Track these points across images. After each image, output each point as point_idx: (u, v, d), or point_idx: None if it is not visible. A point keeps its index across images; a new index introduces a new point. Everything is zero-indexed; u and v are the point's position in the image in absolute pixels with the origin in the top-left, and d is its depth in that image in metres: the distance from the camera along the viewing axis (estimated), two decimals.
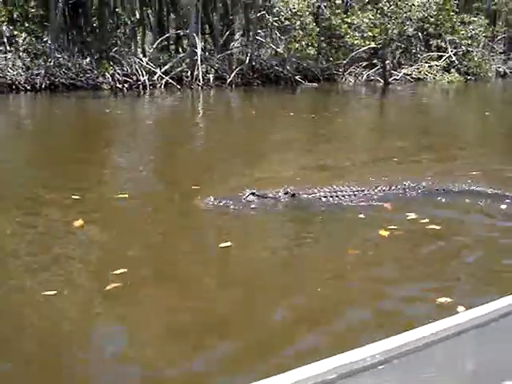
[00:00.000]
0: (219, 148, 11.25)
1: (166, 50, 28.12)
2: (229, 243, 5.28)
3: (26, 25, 23.43)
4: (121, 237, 5.78)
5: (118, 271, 4.64)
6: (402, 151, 10.39)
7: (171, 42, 29.75)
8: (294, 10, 24.08)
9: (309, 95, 24.46)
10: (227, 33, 28.66)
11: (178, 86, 24.75)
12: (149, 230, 5.95)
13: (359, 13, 27.90)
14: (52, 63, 24.22)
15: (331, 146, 11.55)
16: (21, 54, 23.72)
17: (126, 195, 7.16)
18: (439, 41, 30.79)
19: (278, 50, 25.86)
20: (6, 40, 23.50)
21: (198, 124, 16.31)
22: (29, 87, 23.88)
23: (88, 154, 10.52)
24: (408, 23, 26.43)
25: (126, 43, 27.26)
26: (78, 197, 6.91)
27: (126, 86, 24.58)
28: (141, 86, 24.65)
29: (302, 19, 24.56)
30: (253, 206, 6.44)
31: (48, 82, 24.12)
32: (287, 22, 24.77)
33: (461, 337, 1.69)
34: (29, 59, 24.02)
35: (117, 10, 28.72)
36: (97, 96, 22.96)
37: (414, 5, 24.97)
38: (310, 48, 27.38)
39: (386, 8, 25.61)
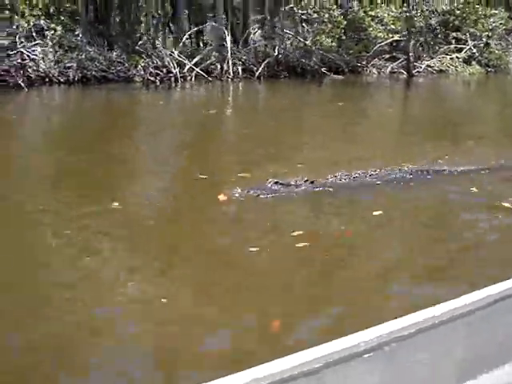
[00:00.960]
0: (261, 137, 11.80)
1: (194, 42, 28.49)
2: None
3: (62, 18, 23.74)
4: None
5: None
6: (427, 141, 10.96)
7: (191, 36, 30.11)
8: (322, 2, 24.37)
9: (337, 86, 24.93)
10: (251, 26, 29.10)
11: (210, 79, 25.17)
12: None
13: (382, 5, 28.24)
14: (84, 56, 24.65)
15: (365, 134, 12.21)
16: (54, 47, 24.13)
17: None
18: (459, 33, 31.18)
19: (307, 42, 26.18)
20: (39, 34, 23.92)
21: (241, 116, 16.77)
22: (62, 80, 24.40)
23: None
24: (433, 16, 26.77)
25: (154, 36, 27.66)
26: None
27: (157, 78, 25.01)
28: (173, 78, 25.05)
29: (330, 12, 24.91)
30: (276, 193, 6.85)
31: (80, 74, 24.58)
32: (315, 15, 25.11)
33: (449, 324, 1.72)
34: (61, 52, 24.48)
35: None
36: (131, 88, 23.58)
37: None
38: (331, 40, 27.70)
39: (411, 0, 25.89)
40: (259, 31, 28.59)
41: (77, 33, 25.24)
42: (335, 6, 25.09)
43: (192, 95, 23.10)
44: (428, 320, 1.67)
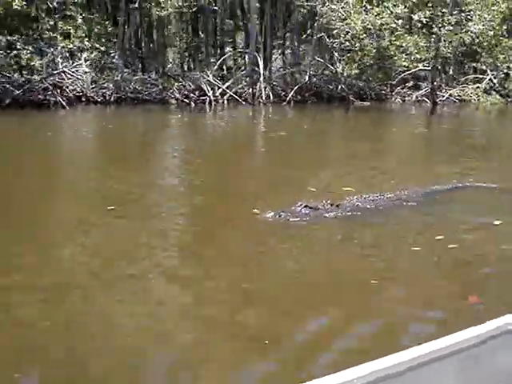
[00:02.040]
0: (297, 159, 12.41)
1: (226, 67, 29.41)
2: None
3: (103, 40, 24.60)
4: None
5: None
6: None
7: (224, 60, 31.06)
8: (354, 33, 25.21)
9: (365, 113, 25.61)
10: (279, 52, 30.12)
11: (243, 102, 25.98)
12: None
13: (406, 35, 29.06)
14: (119, 78, 25.44)
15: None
16: (93, 68, 24.96)
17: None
18: (479, 64, 32.08)
19: (338, 69, 27.00)
20: (77, 55, 24.75)
21: (274, 138, 17.27)
22: (99, 99, 25.20)
23: None
24: (460, 47, 27.62)
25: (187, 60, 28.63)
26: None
27: (192, 100, 25.82)
28: (207, 100, 25.85)
29: (361, 41, 25.75)
30: (306, 217, 6.96)
31: (116, 95, 25.36)
32: (347, 44, 25.96)
33: (439, 362, 1.70)
34: (98, 73, 25.31)
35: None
36: (167, 109, 24.34)
37: (470, 31, 26.11)
38: (358, 68, 28.55)
39: (439, 31, 26.71)
40: (290, 57, 29.47)
41: (113, 55, 26.07)
42: (365, 35, 25.85)
43: (233, 117, 23.78)
44: (419, 358, 1.65)
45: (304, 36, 31.28)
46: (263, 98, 26.40)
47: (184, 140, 17.06)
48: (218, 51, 32.82)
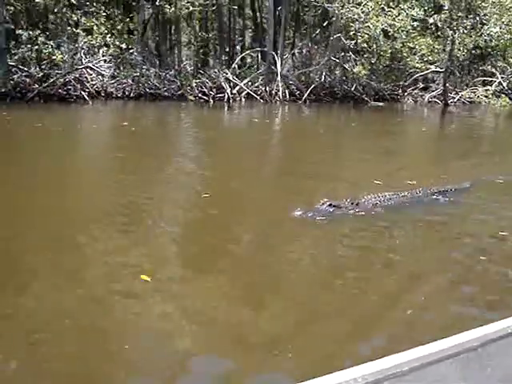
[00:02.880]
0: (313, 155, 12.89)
1: (243, 65, 29.81)
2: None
3: (125, 37, 24.95)
4: None
5: None
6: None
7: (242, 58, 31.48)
8: (372, 34, 25.66)
9: (380, 113, 26.06)
10: (292, 51, 30.57)
11: (262, 100, 26.41)
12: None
13: (419, 37, 29.55)
14: (138, 73, 25.78)
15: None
16: (115, 63, 25.34)
17: None
18: (489, 66, 32.64)
19: (354, 70, 27.43)
20: (98, 50, 25.09)
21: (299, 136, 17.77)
22: (119, 95, 25.61)
23: None
24: (474, 50, 28.14)
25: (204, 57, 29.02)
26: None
27: (210, 97, 26.25)
28: (226, 97, 26.27)
29: (377, 42, 26.20)
30: (332, 215, 7.22)
31: (136, 90, 25.76)
32: (364, 45, 26.41)
33: (448, 362, 1.70)
34: (118, 69, 25.67)
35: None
36: (185, 105, 24.79)
37: (486, 34, 26.61)
38: (373, 69, 29.02)
39: (453, 34, 27.18)
40: (303, 57, 29.89)
41: (132, 51, 26.39)
42: (381, 37, 26.30)
43: (253, 113, 24.20)
44: (423, 358, 1.66)
45: (316, 36, 31.66)
46: (280, 96, 26.83)
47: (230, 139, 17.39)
48: (234, 49, 33.33)
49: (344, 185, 9.62)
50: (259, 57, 31.99)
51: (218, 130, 18.25)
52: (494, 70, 32.63)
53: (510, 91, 32.66)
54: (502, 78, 32.32)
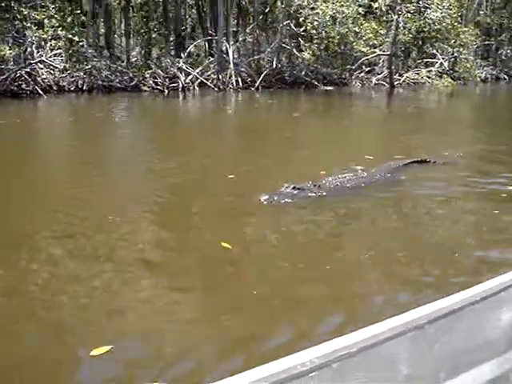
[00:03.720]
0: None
1: (195, 54, 30.05)
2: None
3: (76, 29, 24.82)
4: None
5: None
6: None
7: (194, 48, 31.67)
8: (321, 21, 26.35)
9: (330, 96, 26.86)
10: (243, 39, 30.99)
11: (216, 88, 26.78)
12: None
13: (365, 22, 30.48)
14: (90, 66, 25.68)
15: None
16: (66, 57, 25.16)
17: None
18: (431, 48, 33.99)
19: (304, 56, 28.09)
20: (48, 44, 24.84)
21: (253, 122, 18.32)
22: (71, 88, 25.47)
23: None
24: (418, 34, 29.25)
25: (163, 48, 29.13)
26: None
27: (165, 87, 26.43)
28: (180, 87, 26.51)
29: (327, 29, 26.93)
30: (297, 197, 7.41)
31: (88, 83, 25.67)
32: (313, 31, 27.09)
33: (396, 340, 1.71)
34: (70, 63, 25.49)
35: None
36: (141, 96, 24.93)
37: (429, 18, 27.69)
38: (323, 55, 29.82)
39: (398, 18, 28.18)
40: (253, 44, 30.38)
41: (82, 44, 26.22)
42: (330, 23, 27.03)
43: (210, 102, 24.54)
44: (374, 337, 1.66)
45: (264, 23, 32.21)
46: (234, 84, 27.25)
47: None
48: (180, 39, 33.44)
49: (309, 164, 10.05)
50: (206, 46, 32.33)
51: (180, 119, 18.61)
52: (435, 51, 34.01)
53: (451, 71, 34.13)
54: (443, 59, 33.71)
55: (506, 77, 42.08)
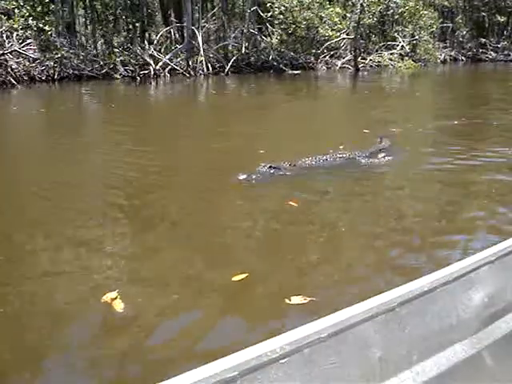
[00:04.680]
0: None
1: (166, 41, 30.31)
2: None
3: (47, 19, 24.83)
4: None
5: None
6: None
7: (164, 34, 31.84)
8: (287, 6, 27.00)
9: (297, 80, 27.56)
10: (211, 25, 31.39)
11: (187, 75, 27.20)
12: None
13: (328, 6, 31.24)
14: (60, 55, 25.73)
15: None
16: (37, 47, 25.19)
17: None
18: (393, 31, 35.03)
19: (273, 41, 28.72)
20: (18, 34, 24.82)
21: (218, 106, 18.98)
22: (43, 78, 25.52)
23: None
24: (382, 17, 30.17)
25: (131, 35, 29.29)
26: None
27: (136, 74, 26.71)
28: (151, 74, 26.83)
29: (293, 13, 27.59)
30: (273, 175, 7.75)
31: (60, 73, 25.75)
32: (281, 16, 27.72)
33: (367, 323, 1.72)
34: (41, 52, 25.51)
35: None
36: (114, 83, 25.19)
37: (393, 1, 28.62)
38: (290, 39, 30.51)
39: (363, 2, 29.01)
40: (221, 30, 30.82)
41: (50, 33, 26.19)
42: (297, 8, 27.70)
43: (191, 87, 24.97)
44: (342, 322, 1.65)
45: (231, 8, 32.65)
46: (204, 69, 27.72)
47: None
48: (145, 26, 33.57)
49: (289, 144, 10.57)
50: (172, 32, 32.56)
51: (157, 106, 19.05)
52: (396, 34, 35.04)
53: (412, 54, 35.23)
54: (404, 41, 34.78)
55: (463, 58, 43.53)
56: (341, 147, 9.60)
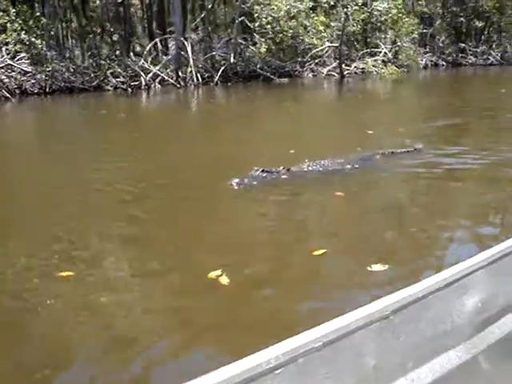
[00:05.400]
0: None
1: (155, 52, 30.71)
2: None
3: (39, 33, 25.10)
4: None
5: None
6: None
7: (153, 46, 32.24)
8: (276, 16, 27.62)
9: (285, 87, 28.14)
10: (199, 35, 31.90)
11: (178, 85, 27.63)
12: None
13: (313, 15, 31.87)
14: (51, 68, 25.96)
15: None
16: (29, 61, 25.42)
17: None
18: (375, 38, 35.80)
19: (261, 50, 29.28)
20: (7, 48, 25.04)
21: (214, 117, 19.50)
22: (35, 91, 25.75)
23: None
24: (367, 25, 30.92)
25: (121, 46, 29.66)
26: None
27: (128, 85, 27.06)
28: (143, 85, 27.21)
29: (281, 23, 28.20)
30: (266, 179, 7.99)
31: (51, 86, 25.98)
32: (268, 26, 28.31)
33: (361, 332, 1.70)
34: (32, 65, 25.73)
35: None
36: (108, 95, 25.53)
37: (376, 9, 29.36)
38: (277, 48, 31.12)
39: (346, 10, 29.73)
40: (211, 40, 31.33)
41: (40, 46, 26.39)
42: (285, 18, 28.32)
43: (179, 100, 25.43)
44: (337, 331, 1.63)
45: (217, 19, 33.19)
46: (194, 80, 28.16)
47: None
48: (131, 37, 34.00)
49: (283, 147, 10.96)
50: (158, 43, 32.96)
51: (155, 118, 19.51)
52: (378, 41, 35.81)
53: (394, 60, 36.02)
54: (387, 48, 35.55)
55: (443, 63, 44.47)
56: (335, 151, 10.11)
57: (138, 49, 33.60)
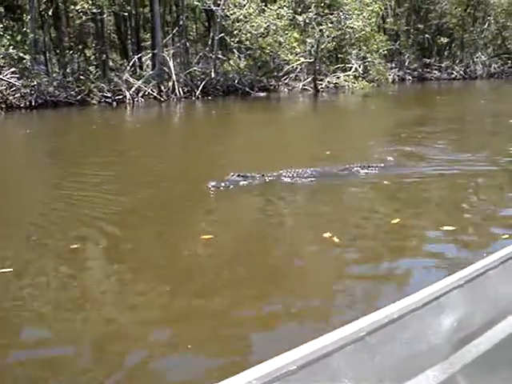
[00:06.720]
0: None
1: (138, 67, 31.62)
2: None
3: (27, 48, 25.70)
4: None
5: None
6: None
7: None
8: (255, 33, 28.86)
9: (263, 101, 29.39)
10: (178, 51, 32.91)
11: (161, 99, 28.55)
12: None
13: (288, 32, 33.17)
14: (36, 82, 26.54)
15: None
16: (18, 75, 26.00)
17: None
18: (346, 54, 37.34)
19: (240, 65, 30.45)
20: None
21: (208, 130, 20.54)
22: (22, 105, 26.29)
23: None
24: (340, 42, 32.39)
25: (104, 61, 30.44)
26: None
27: (113, 100, 27.84)
28: (127, 99, 28.01)
29: (259, 40, 29.44)
30: (241, 183, 8.70)
31: (37, 100, 26.54)
32: (247, 43, 29.52)
33: (336, 354, 1.69)
34: (19, 80, 26.27)
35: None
36: (94, 109, 26.27)
37: (350, 27, 30.83)
38: (254, 64, 32.39)
39: (321, 28, 31.12)
40: (192, 56, 32.38)
41: (25, 60, 26.94)
42: (264, 35, 29.60)
43: (165, 113, 26.41)
44: (312, 354, 1.61)
45: (197, 35, 34.25)
46: (177, 94, 29.13)
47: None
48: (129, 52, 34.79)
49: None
50: (135, 59, 33.79)
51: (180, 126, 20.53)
52: (349, 57, 37.34)
53: (365, 75, 37.58)
54: (358, 64, 37.08)
55: (410, 78, 46.42)
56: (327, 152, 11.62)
57: (111, 64, 34.30)
